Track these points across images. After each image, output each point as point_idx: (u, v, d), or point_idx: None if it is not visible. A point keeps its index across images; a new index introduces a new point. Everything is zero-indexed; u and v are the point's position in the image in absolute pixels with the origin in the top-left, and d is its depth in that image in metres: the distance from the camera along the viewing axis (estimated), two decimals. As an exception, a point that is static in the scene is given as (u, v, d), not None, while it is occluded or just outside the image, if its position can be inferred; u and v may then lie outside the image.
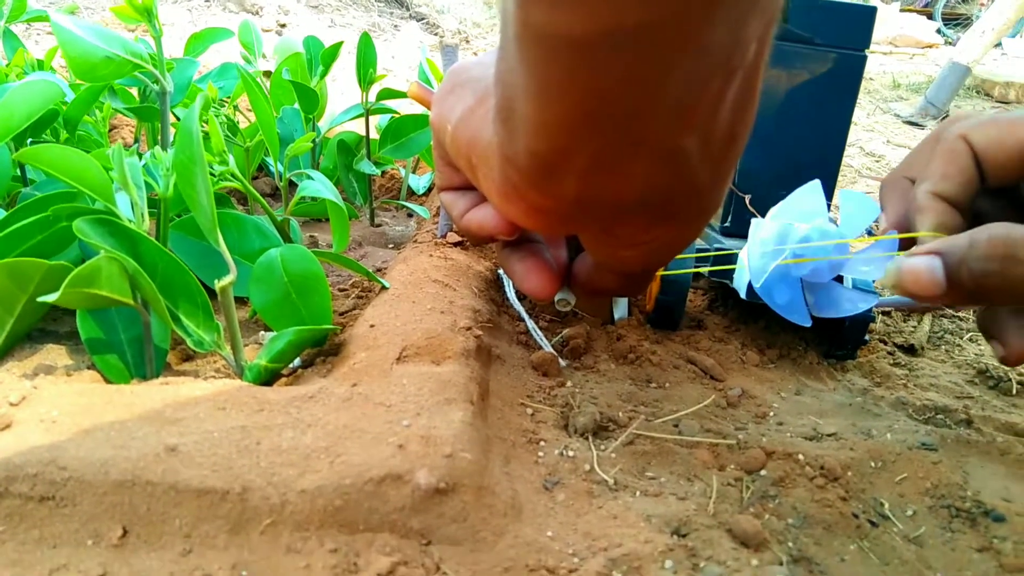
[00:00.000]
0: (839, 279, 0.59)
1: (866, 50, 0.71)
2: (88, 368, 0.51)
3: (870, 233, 0.69)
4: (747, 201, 0.70)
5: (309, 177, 0.62)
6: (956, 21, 6.76)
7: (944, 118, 2.87)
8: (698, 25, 0.27)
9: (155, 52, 0.62)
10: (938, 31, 6.48)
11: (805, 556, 0.43)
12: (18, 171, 0.68)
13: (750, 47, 0.30)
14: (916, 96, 3.27)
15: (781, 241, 0.55)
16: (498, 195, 0.39)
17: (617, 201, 0.35)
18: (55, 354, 0.52)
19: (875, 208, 0.57)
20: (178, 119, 0.79)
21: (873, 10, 0.71)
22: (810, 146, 0.72)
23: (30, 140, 0.62)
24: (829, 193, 0.73)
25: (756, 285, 0.57)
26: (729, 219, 0.74)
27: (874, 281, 0.63)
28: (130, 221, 0.48)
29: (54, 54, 0.88)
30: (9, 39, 0.92)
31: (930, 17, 6.52)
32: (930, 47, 5.46)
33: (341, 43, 0.83)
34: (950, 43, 5.94)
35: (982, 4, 6.60)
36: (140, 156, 0.51)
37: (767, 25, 0.30)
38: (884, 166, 1.75)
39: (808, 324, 0.56)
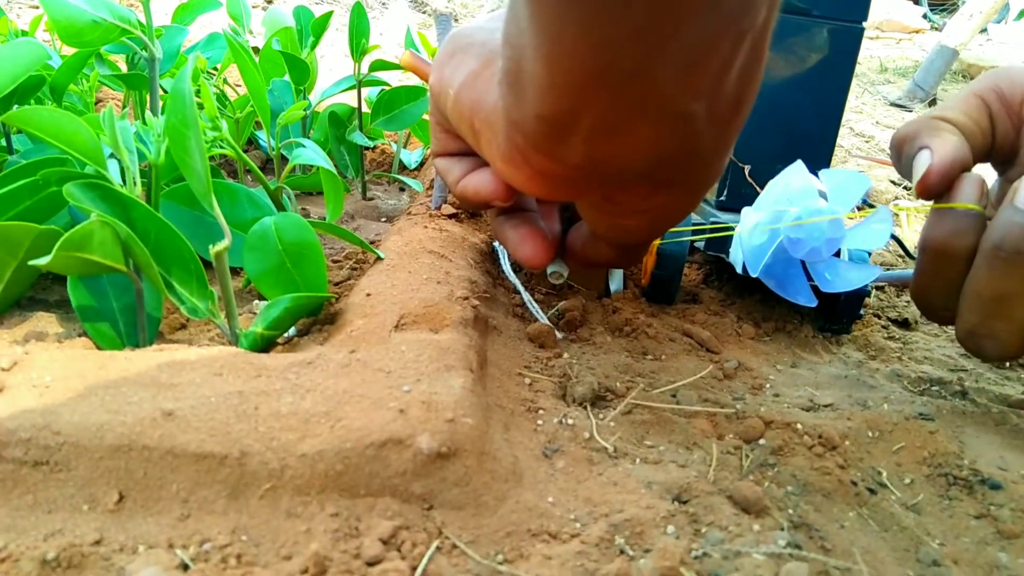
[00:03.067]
0: (839, 255, 0.59)
1: (864, 22, 0.71)
2: (79, 336, 0.50)
3: (869, 204, 0.69)
4: (746, 172, 0.69)
5: (301, 146, 0.61)
6: (942, 7, 6.78)
7: (932, 102, 2.88)
8: None
9: (144, 18, 0.61)
10: (924, 16, 6.49)
11: (805, 522, 0.43)
12: (3, 141, 0.67)
13: (760, 11, 0.30)
14: (903, 80, 3.27)
15: (797, 198, 0.55)
16: (502, 160, 0.39)
17: (622, 165, 0.35)
18: (45, 322, 0.51)
19: (863, 180, 0.57)
20: (166, 92, 0.77)
21: (870, -18, 0.71)
22: (806, 119, 0.72)
23: (16, 107, 0.61)
24: (827, 166, 0.73)
25: (754, 274, 0.57)
26: (725, 193, 0.73)
27: (869, 253, 0.63)
28: (122, 186, 0.47)
29: (38, 23, 0.86)
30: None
31: (916, 2, 6.53)
32: (916, 32, 5.47)
33: (331, 12, 0.82)
34: (936, 28, 5.95)
35: (969, -11, 6.61)
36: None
37: None
38: (874, 146, 1.76)
39: (814, 304, 0.56)
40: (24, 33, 0.81)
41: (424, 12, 3.10)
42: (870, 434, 0.52)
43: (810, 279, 0.56)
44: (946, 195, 0.48)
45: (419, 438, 0.38)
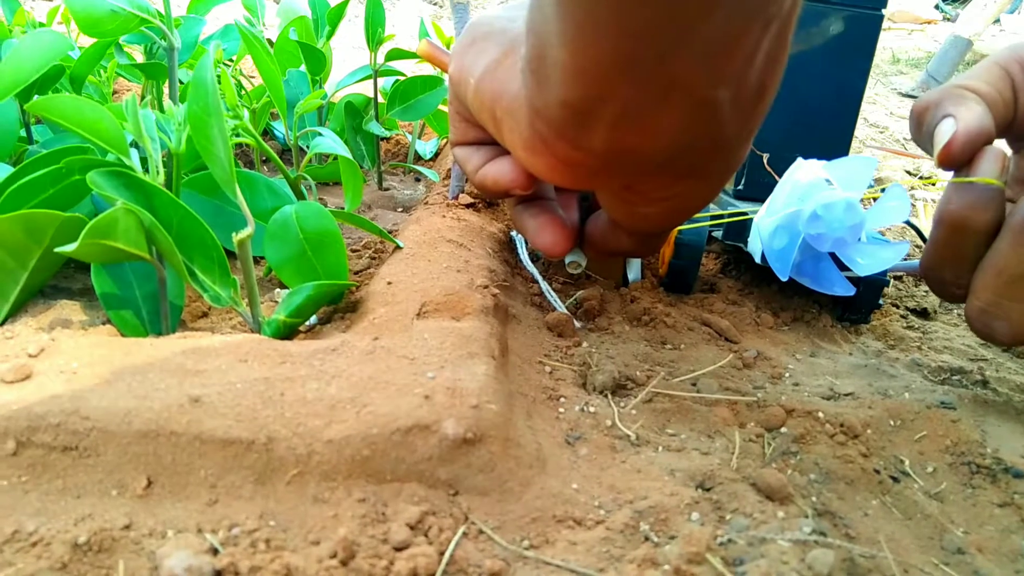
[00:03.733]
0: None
1: (883, 9, 0.70)
2: (103, 323, 0.50)
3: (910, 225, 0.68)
4: (764, 160, 0.69)
5: (319, 135, 0.61)
6: (954, -3, 6.73)
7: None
8: None
9: (163, 8, 0.61)
10: (936, 7, 6.44)
11: (829, 510, 0.43)
12: (23, 131, 0.67)
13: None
14: (916, 71, 3.25)
15: (792, 227, 0.55)
16: (524, 148, 0.39)
17: (645, 153, 0.35)
18: (69, 310, 0.51)
19: (869, 162, 0.56)
20: (183, 82, 0.77)
21: (891, -31, 0.70)
22: (825, 107, 0.71)
23: (36, 96, 0.61)
24: (845, 154, 0.73)
25: (784, 278, 0.56)
26: (743, 182, 0.73)
27: (884, 231, 0.62)
28: (144, 174, 0.47)
29: (55, 15, 0.87)
30: (8, 1, 0.90)
31: (928, -7, 6.48)
32: (928, 23, 5.43)
33: (347, 2, 0.82)
34: (948, 19, 5.91)
35: (981, -20, 6.55)
36: (152, 110, 0.50)
37: None
38: (888, 137, 1.75)
39: (852, 292, 0.56)
40: (41, 25, 0.81)
41: (434, 3, 3.09)
42: (892, 423, 0.52)
43: (844, 268, 0.55)
44: (965, 168, 0.47)
45: (444, 423, 0.38)
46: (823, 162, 0.57)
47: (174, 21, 0.63)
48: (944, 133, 0.47)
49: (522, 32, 0.40)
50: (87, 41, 0.75)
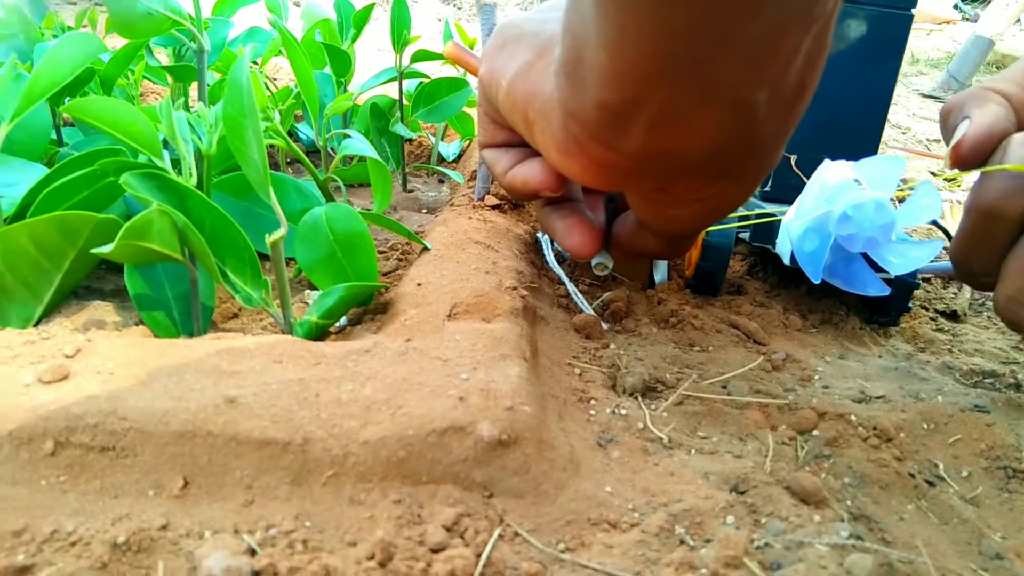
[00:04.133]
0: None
1: (913, 9, 0.69)
2: (136, 324, 0.50)
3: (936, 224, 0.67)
4: (792, 162, 0.68)
5: (347, 136, 0.61)
6: (974, -3, 6.67)
7: (966, 92, 2.83)
8: None
9: (193, 10, 0.61)
10: (955, 6, 6.38)
11: (864, 514, 0.43)
12: (54, 133, 0.68)
13: None
14: (936, 71, 3.22)
15: (822, 229, 0.55)
16: (557, 150, 0.39)
17: (681, 155, 0.35)
18: (103, 311, 0.51)
19: (898, 161, 0.56)
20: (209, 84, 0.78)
21: (921, -32, 0.70)
22: (853, 108, 0.71)
23: (67, 99, 0.62)
24: (872, 155, 0.72)
25: (817, 280, 0.56)
26: (770, 183, 0.73)
27: (911, 231, 0.62)
28: (178, 175, 0.47)
29: (83, 18, 0.87)
30: (35, 4, 0.91)
31: (948, -8, 6.43)
32: (947, 23, 5.39)
33: (372, 4, 0.82)
34: (967, 19, 5.86)
35: (1001, -21, 6.50)
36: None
37: None
38: (910, 138, 1.73)
39: (887, 292, 0.55)
40: (70, 28, 0.82)
41: (453, 5, 3.10)
42: (925, 426, 0.52)
43: (878, 269, 0.55)
44: (998, 155, 0.46)
45: (479, 425, 0.38)
46: (851, 163, 0.56)
47: (204, 23, 0.63)
48: (958, 134, 0.47)
49: (554, 34, 0.40)
50: (112, 43, 0.76)
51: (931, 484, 0.46)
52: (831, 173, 0.56)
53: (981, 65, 2.97)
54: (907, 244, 0.55)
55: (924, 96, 2.68)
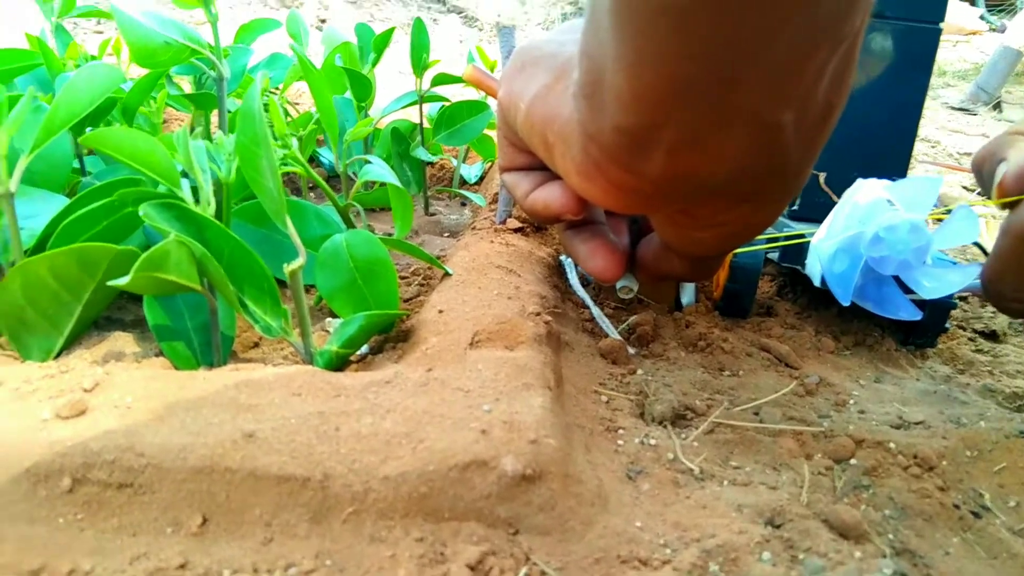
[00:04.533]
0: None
1: (941, 23, 0.68)
2: (156, 355, 0.50)
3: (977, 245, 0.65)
4: (821, 180, 0.67)
5: (368, 162, 0.60)
6: (999, 7, 6.61)
7: (996, 104, 2.79)
8: None
9: (211, 38, 0.61)
10: (981, 17, 6.33)
11: (908, 548, 0.41)
12: (76, 162, 0.68)
13: (858, 16, 0.28)
14: (963, 83, 3.19)
15: (853, 250, 0.53)
16: (577, 174, 0.38)
17: (704, 179, 0.33)
18: (122, 342, 0.51)
19: (934, 182, 0.54)
20: (229, 111, 0.78)
21: (949, -20, 0.68)
22: (882, 124, 0.69)
23: (88, 128, 0.61)
24: (903, 173, 0.71)
25: (846, 302, 0.54)
26: (798, 203, 0.71)
27: (950, 254, 0.60)
28: (196, 205, 0.47)
29: (106, 47, 0.88)
30: (60, 34, 0.92)
31: (972, 3, 6.37)
32: (974, 34, 5.34)
33: (393, 29, 0.82)
34: (994, 29, 5.80)
35: (1026, -11, 6.45)
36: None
37: None
38: (940, 151, 1.70)
39: (919, 317, 0.54)
40: (93, 57, 0.83)
41: (474, 27, 3.12)
42: (968, 454, 0.50)
43: (908, 291, 0.53)
44: None
45: (503, 460, 0.37)
46: (884, 182, 0.55)
47: (223, 51, 0.63)
48: (998, 175, 0.47)
49: (573, 56, 0.39)
50: (136, 71, 0.76)
51: (977, 515, 0.44)
52: (863, 193, 0.54)
53: (1010, 76, 2.93)
54: (942, 268, 0.53)
55: (952, 109, 2.65)
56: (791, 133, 0.32)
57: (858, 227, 0.52)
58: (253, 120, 0.42)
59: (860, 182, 0.55)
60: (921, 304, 0.55)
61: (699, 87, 0.29)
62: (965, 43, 4.89)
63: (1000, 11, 6.53)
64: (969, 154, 1.67)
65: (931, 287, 0.52)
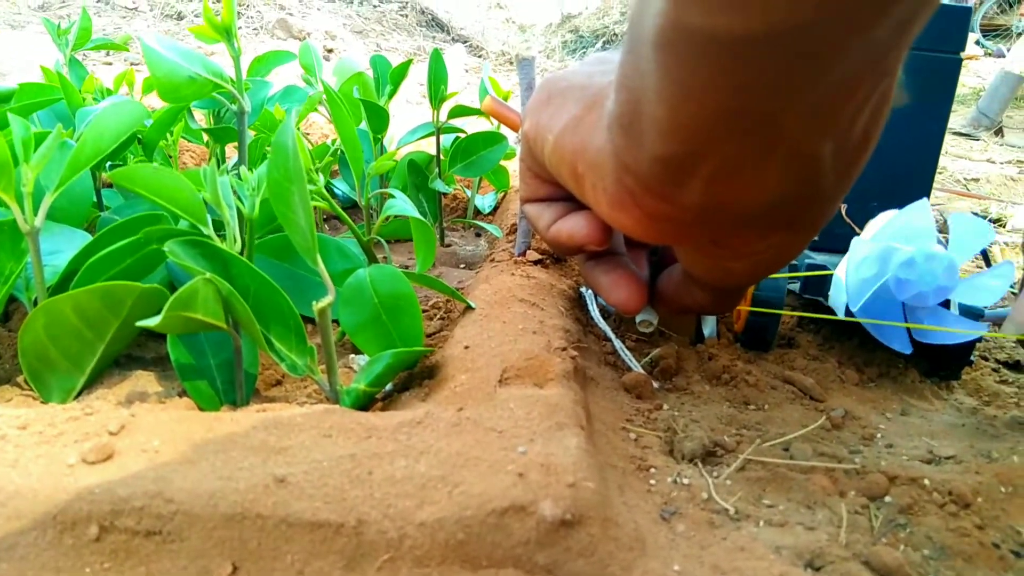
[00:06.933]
0: (946, 304, 0.56)
1: (961, 52, 0.68)
2: (179, 395, 0.49)
3: (984, 256, 0.65)
4: (843, 211, 0.67)
5: (390, 196, 0.60)
6: (995, 32, 6.66)
7: (998, 130, 2.80)
8: (870, 21, 0.25)
9: (233, 72, 0.61)
10: (977, 42, 6.38)
11: (951, 591, 0.40)
12: (94, 196, 0.68)
13: (903, 50, 0.28)
14: (963, 107, 3.20)
15: (883, 263, 0.53)
16: (610, 204, 0.37)
17: (741, 208, 0.33)
18: (145, 380, 0.50)
19: (989, 232, 0.54)
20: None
21: (968, 10, 0.68)
22: (904, 154, 0.69)
23: (109, 164, 0.61)
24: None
25: (854, 308, 0.54)
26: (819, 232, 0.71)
27: (985, 308, 0.59)
28: (222, 239, 0.46)
29: (121, 81, 0.88)
30: (75, 67, 0.92)
31: (969, 29, 6.41)
32: (971, 59, 5.38)
33: (411, 60, 0.82)
34: (990, 54, 5.84)
35: (1021, 14, 6.50)
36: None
37: (923, 21, 0.28)
38: (947, 177, 1.70)
39: (908, 351, 0.53)
40: (109, 91, 0.83)
41: (480, 56, 3.14)
42: (1003, 490, 0.49)
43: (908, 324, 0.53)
44: None
45: (542, 504, 0.36)
46: (952, 215, 0.55)
47: (244, 85, 0.63)
48: None
49: (604, 87, 0.39)
50: (148, 102, 0.76)
51: (1017, 555, 0.43)
52: (921, 215, 0.54)
53: (1011, 101, 2.94)
54: (950, 316, 0.53)
55: (956, 134, 2.65)
56: (829, 163, 0.31)
57: (878, 280, 0.52)
58: (287, 156, 0.42)
59: (925, 202, 0.55)
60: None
61: (742, 120, 0.29)
62: (963, 68, 4.93)
63: (995, 36, 6.58)
64: (976, 180, 1.68)
65: (932, 332, 0.52)
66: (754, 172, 0.31)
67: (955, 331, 0.54)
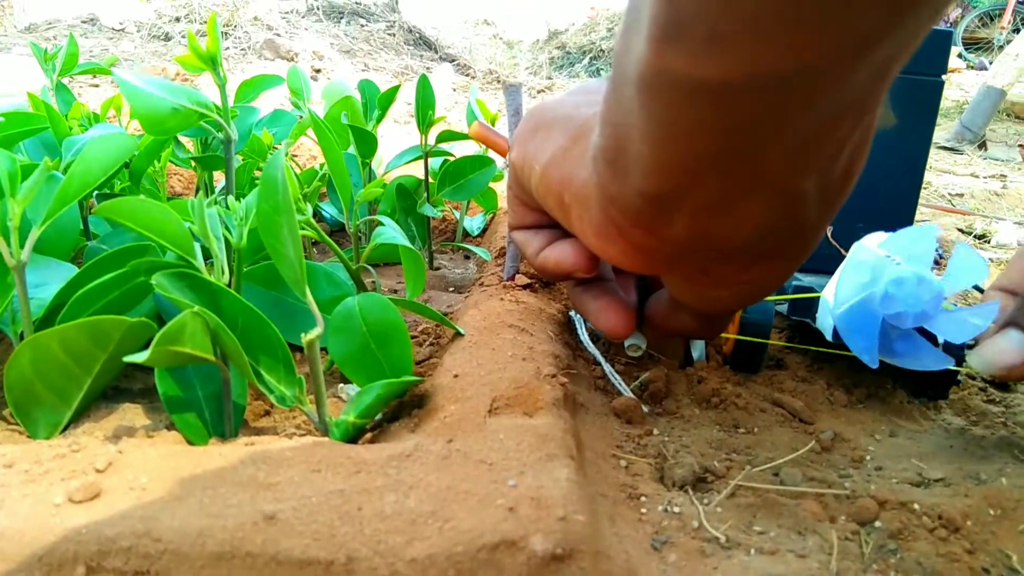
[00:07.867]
0: (922, 331, 0.56)
1: (943, 75, 0.69)
2: (167, 428, 0.49)
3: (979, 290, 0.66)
4: (829, 234, 0.67)
5: (379, 223, 0.60)
6: (977, 45, 6.75)
7: (981, 143, 2.83)
8: (848, 69, 0.25)
9: (218, 100, 0.61)
10: (959, 56, 6.45)
11: (941, 618, 0.40)
12: (81, 225, 0.67)
13: (885, 88, 0.29)
14: (945, 121, 3.23)
15: (869, 311, 0.53)
16: (595, 235, 0.38)
17: (725, 241, 0.34)
18: (132, 413, 0.50)
19: (984, 269, 0.54)
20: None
21: (949, 34, 0.69)
22: (888, 177, 0.70)
23: (96, 194, 0.61)
24: (909, 223, 0.71)
25: (836, 312, 0.54)
26: (805, 254, 0.71)
27: (966, 345, 0.60)
28: (210, 269, 0.46)
29: (109, 107, 0.88)
30: (61, 92, 0.92)
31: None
32: (953, 72, 5.44)
33: (399, 86, 0.82)
34: (972, 67, 5.91)
35: (1003, 28, 6.59)
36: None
37: (901, 64, 0.28)
38: (932, 192, 1.72)
39: (874, 366, 0.54)
40: (97, 117, 0.83)
41: (467, 75, 3.15)
42: (992, 512, 0.49)
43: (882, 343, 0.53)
44: None
45: (532, 539, 0.36)
46: (881, 235, 0.55)
47: (231, 112, 0.63)
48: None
49: (589, 119, 0.39)
50: (136, 125, 0.76)
51: (1007, 580, 0.44)
52: (864, 252, 0.55)
53: (993, 115, 2.98)
54: (922, 344, 0.53)
55: (940, 148, 2.68)
56: (812, 198, 0.32)
57: (869, 287, 0.52)
58: (276, 188, 0.42)
59: (858, 243, 0.56)
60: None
61: (725, 160, 0.29)
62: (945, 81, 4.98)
63: (977, 49, 6.66)
64: (960, 195, 1.69)
65: (901, 354, 0.52)
66: (738, 208, 0.32)
67: (922, 362, 0.55)
